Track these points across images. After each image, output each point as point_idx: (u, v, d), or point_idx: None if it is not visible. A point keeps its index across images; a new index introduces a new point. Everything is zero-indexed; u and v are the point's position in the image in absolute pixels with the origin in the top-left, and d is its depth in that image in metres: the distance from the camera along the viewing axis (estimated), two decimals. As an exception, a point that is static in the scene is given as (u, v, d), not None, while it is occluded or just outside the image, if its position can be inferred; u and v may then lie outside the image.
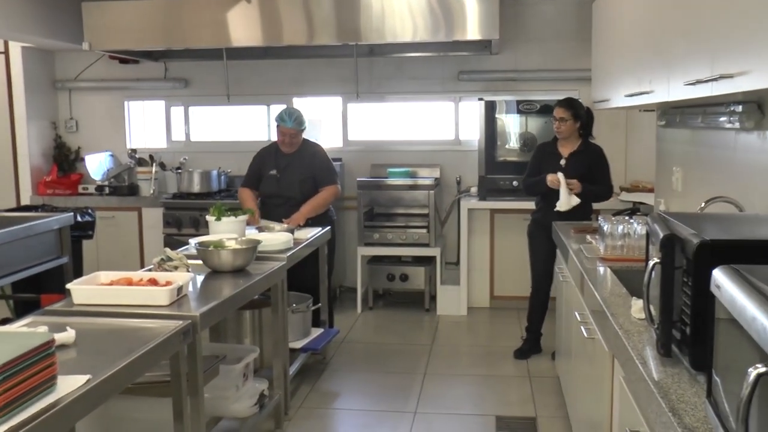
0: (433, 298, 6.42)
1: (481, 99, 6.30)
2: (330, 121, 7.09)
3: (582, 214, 4.83)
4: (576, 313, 3.32)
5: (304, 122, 5.18)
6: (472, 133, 6.58)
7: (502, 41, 6.13)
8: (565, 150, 4.97)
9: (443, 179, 6.78)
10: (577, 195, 4.78)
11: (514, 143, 6.31)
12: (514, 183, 6.08)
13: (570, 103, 4.94)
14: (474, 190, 6.44)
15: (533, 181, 5.00)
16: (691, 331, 1.81)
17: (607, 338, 2.51)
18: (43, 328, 2.32)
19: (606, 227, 3.49)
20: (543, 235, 4.94)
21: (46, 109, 7.24)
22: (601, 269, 3.19)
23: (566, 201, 4.75)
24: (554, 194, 4.83)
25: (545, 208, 4.98)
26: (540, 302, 5.15)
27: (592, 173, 4.88)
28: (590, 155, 4.93)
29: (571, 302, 3.75)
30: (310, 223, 4.99)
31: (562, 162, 4.92)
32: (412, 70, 6.79)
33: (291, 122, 5.09)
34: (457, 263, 6.51)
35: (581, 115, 4.92)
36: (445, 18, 5.66)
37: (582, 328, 3.03)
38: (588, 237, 3.95)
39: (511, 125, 6.31)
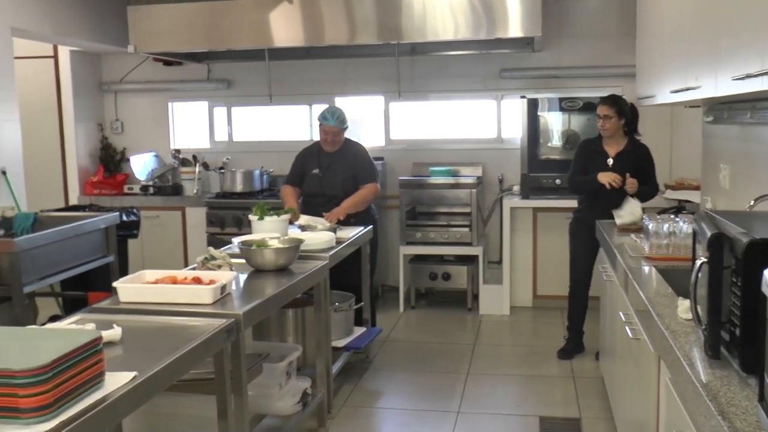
0: (476, 297, 6.38)
1: (523, 97, 6.25)
2: (372, 120, 7.10)
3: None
4: (621, 313, 3.27)
5: (346, 121, 5.19)
6: (515, 131, 6.54)
7: (544, 38, 6.07)
8: (612, 149, 4.89)
9: (485, 178, 6.74)
10: (616, 197, 4.67)
11: (556, 141, 6.25)
12: (557, 181, 6.02)
13: (614, 100, 4.87)
14: (516, 188, 6.39)
15: (581, 180, 4.92)
16: (741, 333, 1.76)
17: (653, 339, 2.47)
18: (91, 326, 2.36)
19: (651, 226, 3.43)
20: (585, 234, 4.88)
21: (92, 111, 7.37)
22: (646, 268, 3.14)
23: (630, 212, 4.39)
24: (601, 194, 4.76)
25: (588, 207, 4.92)
26: (580, 300, 5.09)
27: (639, 172, 4.80)
28: (637, 154, 4.85)
29: (615, 302, 3.70)
30: (353, 221, 4.99)
31: (610, 162, 4.85)
32: (453, 69, 6.77)
33: (333, 121, 5.10)
34: (500, 262, 6.46)
35: (626, 112, 4.85)
36: (486, 15, 5.62)
37: (627, 328, 2.98)
38: (633, 236, 3.89)
39: (554, 123, 6.25)
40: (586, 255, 4.96)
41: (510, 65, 6.63)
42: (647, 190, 4.83)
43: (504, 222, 6.20)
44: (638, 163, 4.82)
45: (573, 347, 5.13)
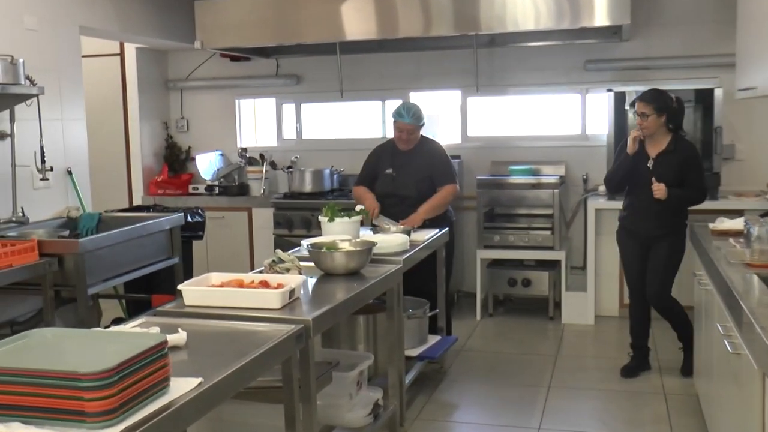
0: (558, 305, 6.30)
1: (609, 90, 6.14)
2: (448, 116, 7.08)
3: (671, 220, 4.71)
4: (718, 325, 3.17)
5: (422, 117, 5.17)
6: (600, 127, 6.43)
7: (633, 26, 5.94)
8: (653, 149, 4.70)
9: (569, 177, 6.64)
10: (662, 201, 4.59)
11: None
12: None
13: (652, 96, 4.67)
14: (602, 189, 6.27)
15: (611, 170, 4.89)
16: None
17: (756, 354, 2.38)
18: (155, 329, 2.40)
19: (754, 230, 3.32)
20: (634, 243, 4.83)
21: (157, 109, 7.55)
22: (748, 276, 3.03)
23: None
24: (642, 191, 4.68)
25: (632, 212, 4.82)
26: (640, 315, 4.97)
27: (683, 174, 4.64)
28: (681, 154, 4.65)
29: (711, 313, 3.58)
30: (428, 224, 4.97)
31: (650, 164, 4.68)
32: (535, 61, 6.70)
33: (409, 117, 5.09)
34: (584, 268, 6.36)
35: (666, 108, 4.63)
36: (570, 3, 5.53)
37: (725, 341, 2.89)
38: (731, 240, 3.77)
39: (645, 118, 6.11)
40: (638, 266, 4.86)
41: (595, 56, 6.52)
42: (689, 195, 4.65)
43: (588, 224, 6.10)
44: (681, 163, 4.63)
45: (637, 364, 5.00)
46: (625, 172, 4.75)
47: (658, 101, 4.64)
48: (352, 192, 5.42)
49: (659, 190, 4.56)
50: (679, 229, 4.75)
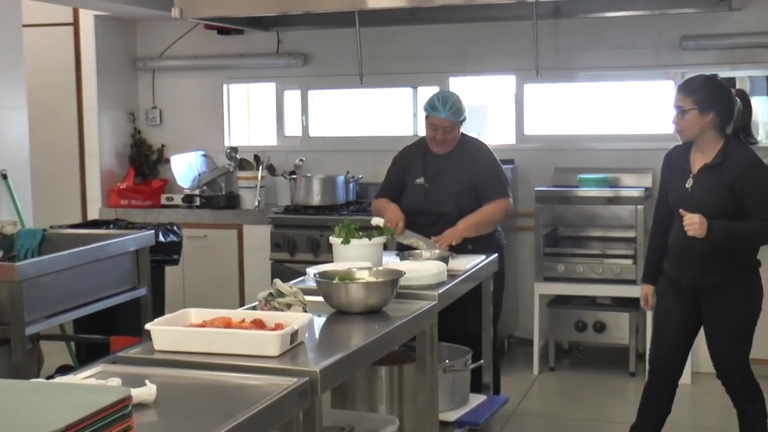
0: (641, 356, 6.23)
1: (714, 75, 6.10)
2: (498, 109, 7.07)
3: (725, 266, 4.29)
4: None
5: (463, 111, 5.15)
6: (701, 124, 6.40)
7: (746, -9, 5.95)
8: (699, 160, 4.37)
9: (657, 189, 6.58)
10: (703, 239, 4.18)
11: (763, 137, 6.10)
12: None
13: (695, 85, 4.36)
14: (703, 204, 6.23)
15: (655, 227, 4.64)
16: None
17: None
18: (116, 381, 2.37)
19: None
20: (675, 296, 4.46)
21: (122, 96, 7.60)
22: None
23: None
24: (681, 222, 4.29)
25: (672, 252, 4.47)
26: (660, 395, 4.58)
27: (737, 198, 4.22)
28: (731, 168, 4.22)
29: None
30: (471, 248, 4.95)
31: (689, 183, 4.33)
32: (613, 37, 6.69)
33: (445, 112, 5.07)
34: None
35: (716, 102, 4.29)
36: (662, -39, 5.53)
37: None
38: None
39: (761, 112, 6.10)
40: (670, 326, 4.50)
41: (695, 31, 6.50)
42: (741, 229, 4.19)
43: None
44: (732, 182, 4.21)
45: None
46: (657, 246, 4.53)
47: (703, 92, 4.30)
48: (371, 207, 5.42)
49: (692, 224, 4.14)
50: (742, 277, 4.34)
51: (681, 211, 4.19)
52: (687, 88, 4.34)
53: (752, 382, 4.41)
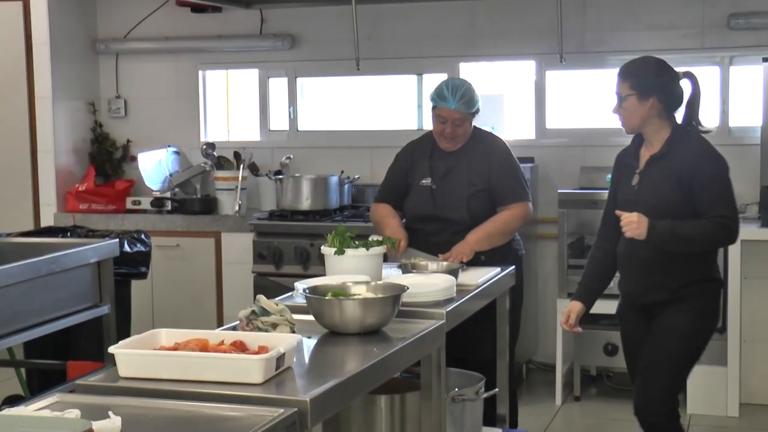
0: (682, 386, 6.24)
1: (766, 59, 6.10)
2: (516, 99, 7.06)
3: (678, 277, 4.24)
4: None
5: (476, 101, 5.14)
6: (752, 115, 6.46)
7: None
8: (646, 155, 4.37)
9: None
10: (648, 244, 4.18)
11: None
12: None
13: (631, 68, 4.35)
14: (753, 209, 6.24)
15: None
16: None
17: None
18: (74, 413, 2.37)
19: None
20: (631, 315, 4.48)
21: (81, 84, 7.60)
22: None
23: None
24: (624, 248, 4.38)
25: (623, 267, 4.47)
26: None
27: (687, 193, 4.18)
28: (679, 158, 4.20)
29: None
30: (484, 259, 4.96)
31: (635, 181, 4.34)
32: (649, 15, 6.72)
33: (455, 102, 5.06)
34: (723, 330, 6.29)
35: (657, 87, 4.25)
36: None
37: None
38: None
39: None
40: (632, 350, 4.53)
41: (745, 7, 6.52)
42: (691, 230, 4.12)
43: (730, 263, 6.06)
44: (680, 175, 4.17)
45: None
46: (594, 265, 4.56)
47: (640, 75, 4.30)
48: (370, 213, 5.43)
49: (629, 223, 4.13)
50: (697, 293, 4.26)
51: (617, 211, 4.20)
52: (623, 72, 4.35)
53: (676, 428, 4.31)
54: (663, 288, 4.22)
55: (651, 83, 4.26)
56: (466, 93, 5.10)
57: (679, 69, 4.38)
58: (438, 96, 5.12)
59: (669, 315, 4.23)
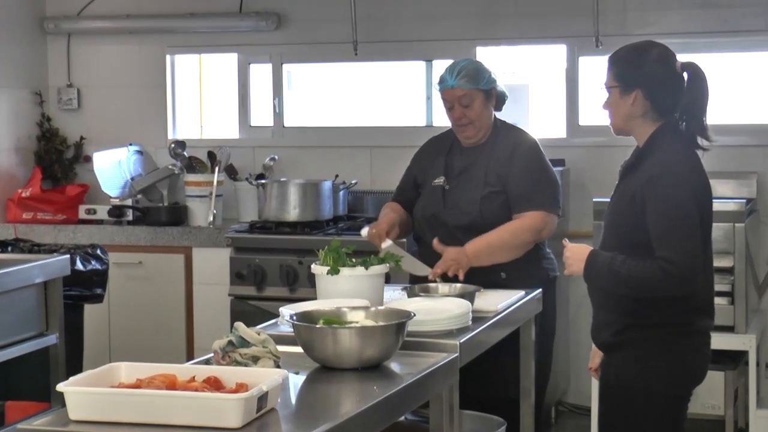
0: (742, 431, 6.25)
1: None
2: (544, 90, 7.08)
3: (614, 315, 4.08)
4: None
5: (482, 75, 5.15)
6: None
7: None
8: None
9: (763, 201, 6.60)
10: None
11: None
12: None
13: (618, 54, 4.18)
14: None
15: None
16: None
17: None
18: (14, 464, 2.38)
19: None
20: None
21: (25, 70, 7.65)
22: None
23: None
24: None
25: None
26: None
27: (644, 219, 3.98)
28: (641, 174, 4.04)
29: None
30: (504, 277, 4.98)
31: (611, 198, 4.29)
32: (706, -8, 6.72)
33: (453, 78, 5.09)
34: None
35: (641, 76, 4.07)
36: None
37: None
38: None
39: None
40: None
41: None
42: (623, 268, 3.88)
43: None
44: (632, 195, 4.01)
45: None
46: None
47: (624, 62, 4.16)
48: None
49: (565, 258, 4.09)
50: (642, 338, 4.04)
51: (564, 240, 4.14)
52: (610, 59, 4.18)
53: None
54: (604, 328, 4.10)
55: (634, 73, 4.08)
56: (466, 66, 5.14)
57: (681, 59, 4.16)
58: (439, 80, 5.18)
59: (616, 361, 4.08)
